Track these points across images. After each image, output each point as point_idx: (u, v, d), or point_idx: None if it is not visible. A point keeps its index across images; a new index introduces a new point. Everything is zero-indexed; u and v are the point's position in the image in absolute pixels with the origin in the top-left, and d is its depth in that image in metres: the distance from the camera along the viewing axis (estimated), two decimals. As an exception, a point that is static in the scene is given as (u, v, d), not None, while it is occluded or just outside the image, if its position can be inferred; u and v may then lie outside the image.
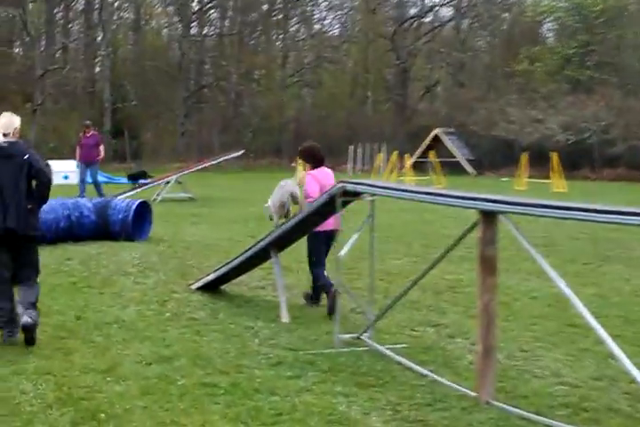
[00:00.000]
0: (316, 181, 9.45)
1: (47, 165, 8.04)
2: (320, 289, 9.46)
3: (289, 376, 6.70)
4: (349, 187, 7.59)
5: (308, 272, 9.82)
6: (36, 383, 6.39)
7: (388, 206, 20.53)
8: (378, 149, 41.63)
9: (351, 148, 43.86)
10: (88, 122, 23.55)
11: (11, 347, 7.43)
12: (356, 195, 7.82)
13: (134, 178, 24.35)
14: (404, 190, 7.27)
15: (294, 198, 9.70)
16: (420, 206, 20.40)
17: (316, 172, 9.63)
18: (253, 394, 6.22)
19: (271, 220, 10.08)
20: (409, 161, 35.78)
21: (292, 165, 43.12)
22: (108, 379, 6.55)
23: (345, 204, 7.95)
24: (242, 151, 27.42)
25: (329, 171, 9.77)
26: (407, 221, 18.68)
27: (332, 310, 8.78)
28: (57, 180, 29.98)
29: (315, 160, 9.71)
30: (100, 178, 28.23)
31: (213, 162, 27.59)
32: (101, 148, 22.55)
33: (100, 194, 21.49)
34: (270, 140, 52.19)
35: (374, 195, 7.66)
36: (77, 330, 8.16)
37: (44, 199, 7.86)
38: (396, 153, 35.16)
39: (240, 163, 44.99)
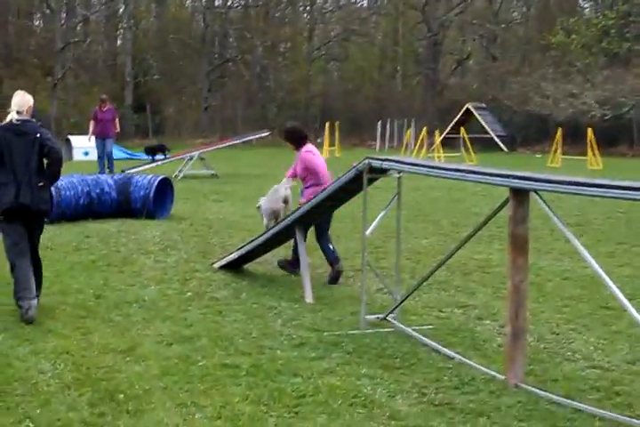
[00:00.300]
0: (318, 157, 10.06)
1: (57, 143, 8.23)
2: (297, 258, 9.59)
3: (312, 358, 6.71)
4: (375, 163, 7.55)
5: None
6: (54, 363, 6.44)
7: (416, 184, 20.50)
8: (407, 124, 41.44)
9: (379, 123, 43.70)
10: (104, 96, 23.50)
11: (29, 326, 7.49)
12: (383, 172, 7.78)
13: (152, 151, 23.96)
14: (431, 167, 7.21)
15: (287, 203, 10.15)
16: (450, 184, 20.37)
17: (311, 148, 10.07)
18: (275, 376, 6.23)
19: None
20: (439, 137, 35.61)
21: (319, 140, 43.06)
22: (128, 359, 6.59)
23: (371, 181, 7.91)
24: (267, 132, 27.39)
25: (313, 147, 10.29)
26: (436, 198, 18.61)
27: (334, 281, 9.65)
28: (77, 156, 30.40)
29: (301, 139, 10.06)
30: (121, 154, 28.32)
31: (237, 141, 27.61)
32: (117, 122, 22.55)
33: (111, 169, 21.56)
34: (296, 115, 52.07)
35: (401, 172, 7.62)
36: (97, 309, 8.21)
37: (56, 177, 8.08)
38: (425, 129, 35.01)
39: (265, 138, 45.02)
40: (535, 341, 7.34)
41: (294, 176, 10.42)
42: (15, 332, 7.31)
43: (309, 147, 10.09)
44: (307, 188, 9.98)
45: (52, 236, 12.46)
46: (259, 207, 11.04)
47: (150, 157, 23.79)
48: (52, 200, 11.65)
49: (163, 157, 23.30)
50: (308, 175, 9.95)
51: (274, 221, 10.15)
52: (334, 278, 9.76)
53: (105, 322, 7.73)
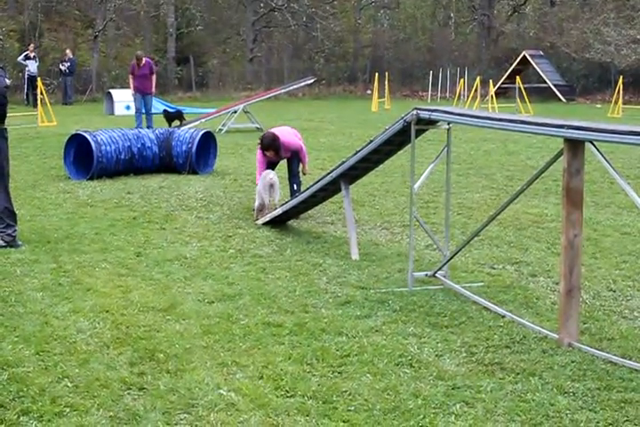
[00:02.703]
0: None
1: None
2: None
3: (357, 316, 6.71)
4: (423, 114, 7.46)
5: (377, 205, 9.81)
6: (93, 322, 6.50)
7: (468, 136, 20.33)
8: (460, 74, 40.96)
9: (431, 73, 43.25)
10: (139, 52, 23.58)
11: (68, 284, 7.57)
12: (431, 123, 7.70)
13: (169, 118, 23.67)
14: (481, 117, 7.10)
15: (273, 190, 10.54)
16: (504, 136, 20.18)
17: (289, 130, 11.43)
18: (319, 334, 6.24)
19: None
20: (493, 87, 35.15)
21: (368, 92, 42.80)
22: (168, 318, 6.64)
23: (419, 133, 7.82)
24: (313, 79, 27.21)
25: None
26: (489, 151, 18.41)
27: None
28: (119, 110, 30.53)
29: (279, 145, 10.91)
30: (162, 106, 28.31)
31: (282, 90, 27.46)
32: (154, 78, 22.59)
33: (149, 126, 21.63)
34: (344, 66, 51.73)
35: (450, 123, 7.52)
36: (137, 267, 8.27)
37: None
38: (478, 79, 34.56)
39: (312, 91, 44.78)
40: (591, 298, 7.26)
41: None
42: (54, 290, 7.39)
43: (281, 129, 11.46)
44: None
45: (92, 192, 12.60)
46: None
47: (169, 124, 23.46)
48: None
49: (179, 123, 23.03)
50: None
51: (262, 208, 10.59)
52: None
53: (145, 280, 7.79)
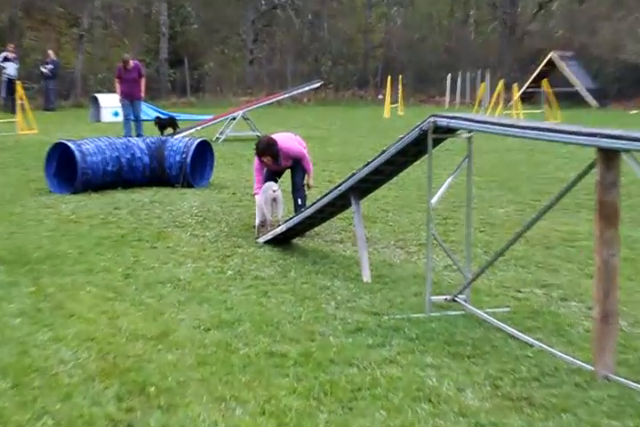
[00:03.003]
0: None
1: None
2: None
3: (370, 345, 6.66)
4: (441, 122, 7.43)
5: (390, 221, 9.79)
6: (76, 352, 6.45)
7: (491, 146, 20.34)
8: (481, 77, 41.05)
9: (449, 77, 43.35)
10: (126, 55, 23.67)
11: (49, 309, 7.54)
12: (450, 131, 7.67)
13: (161, 125, 23.74)
14: (506, 125, 7.06)
15: (276, 205, 10.61)
16: (530, 145, 20.19)
17: (290, 135, 11.40)
18: (328, 366, 6.19)
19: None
20: (517, 92, 35.21)
21: (379, 97, 42.90)
22: (160, 347, 6.59)
23: (437, 142, 7.80)
24: (319, 83, 27.31)
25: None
26: (514, 162, 18.41)
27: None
28: (106, 117, 30.63)
29: (277, 150, 10.89)
30: (154, 115, 28.40)
31: (286, 95, 27.61)
32: (143, 82, 22.65)
33: (139, 134, 21.70)
34: (353, 69, 51.92)
35: (471, 131, 7.49)
36: (125, 290, 8.23)
37: None
38: (501, 82, 34.62)
39: (318, 96, 44.90)
40: (629, 325, 7.22)
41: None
42: (33, 316, 7.35)
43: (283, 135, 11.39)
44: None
45: (75, 207, 12.61)
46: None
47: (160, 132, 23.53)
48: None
49: (172, 131, 23.13)
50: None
51: (263, 224, 10.63)
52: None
53: (134, 305, 7.75)
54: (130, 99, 22.48)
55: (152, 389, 5.73)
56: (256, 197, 10.82)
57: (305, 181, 11.21)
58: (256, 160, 10.97)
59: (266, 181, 10.82)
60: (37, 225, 11.37)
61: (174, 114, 29.19)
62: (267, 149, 10.81)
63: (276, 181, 10.95)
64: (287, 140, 11.15)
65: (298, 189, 11.19)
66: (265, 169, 10.99)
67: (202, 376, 5.97)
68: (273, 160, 10.87)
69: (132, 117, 22.64)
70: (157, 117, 24.76)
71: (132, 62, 22.75)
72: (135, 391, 5.70)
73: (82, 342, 6.67)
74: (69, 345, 6.61)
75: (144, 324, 7.16)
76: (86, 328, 7.01)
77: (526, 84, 42.63)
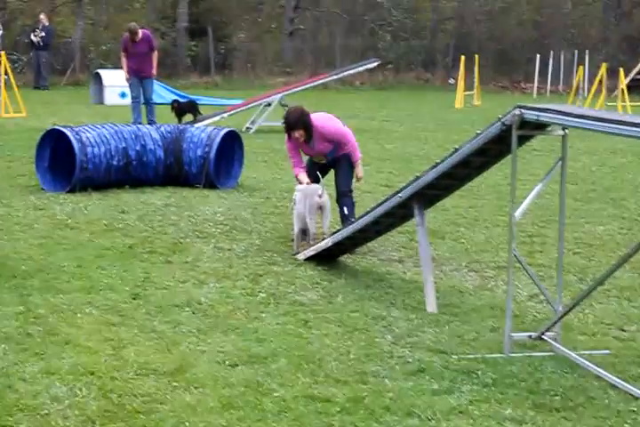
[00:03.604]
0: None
1: None
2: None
3: (434, 391, 6.69)
4: (529, 115, 7.45)
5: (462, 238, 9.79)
6: (72, 388, 6.52)
7: (590, 146, 20.28)
8: (578, 59, 40.89)
9: (538, 58, 43.21)
10: (133, 24, 23.14)
11: (40, 335, 7.62)
12: (540, 127, 7.69)
13: (179, 111, 23.77)
14: (610, 121, 7.07)
15: (322, 214, 10.78)
16: (640, 147, 20.03)
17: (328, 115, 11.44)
18: (382, 414, 6.23)
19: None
20: (624, 78, 35.04)
21: (450, 81, 42.86)
22: (175, 385, 6.65)
23: (523, 140, 7.83)
24: (376, 62, 27.32)
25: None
26: (618, 167, 18.34)
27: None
28: (112, 99, 30.82)
29: (311, 122, 10.94)
30: (170, 97, 28.50)
31: (334, 77, 27.56)
32: (155, 55, 22.46)
33: (151, 120, 21.64)
34: (418, 46, 51.83)
35: (566, 127, 7.51)
36: (133, 314, 8.31)
37: None
38: (604, 66, 34.48)
39: (374, 78, 44.91)
40: None
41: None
42: (20, 342, 7.44)
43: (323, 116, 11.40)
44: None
45: (73, 210, 12.68)
46: (293, 200, 10.96)
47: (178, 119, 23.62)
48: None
49: (193, 119, 23.20)
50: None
51: (304, 235, 10.71)
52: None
53: (144, 332, 7.82)
54: (139, 77, 22.31)
55: (165, 436, 5.81)
56: (295, 194, 10.82)
57: (353, 179, 11.21)
58: (287, 140, 11.06)
59: (309, 175, 10.89)
60: (26, 231, 11.47)
61: (195, 97, 29.34)
62: (298, 120, 10.85)
63: (319, 182, 10.96)
64: (324, 119, 11.20)
65: (343, 194, 11.16)
66: (299, 149, 11.07)
67: (227, 422, 6.04)
68: (306, 136, 10.88)
69: (142, 100, 22.58)
70: (174, 101, 24.83)
71: (140, 32, 22.47)
72: (145, 439, 5.78)
73: (79, 377, 6.73)
74: (64, 379, 6.68)
75: (156, 356, 7.23)
76: (85, 359, 7.08)
77: (636, 70, 42.40)
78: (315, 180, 10.87)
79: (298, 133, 10.75)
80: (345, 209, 10.99)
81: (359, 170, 11.20)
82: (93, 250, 10.59)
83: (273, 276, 9.74)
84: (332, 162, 11.18)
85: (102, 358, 7.15)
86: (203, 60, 46.34)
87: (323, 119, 11.13)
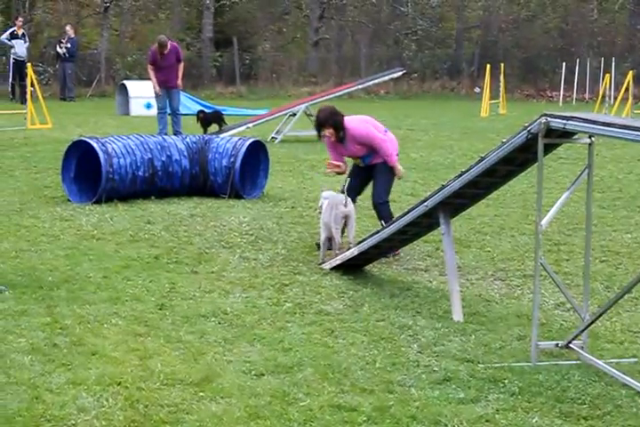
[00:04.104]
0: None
1: None
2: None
3: (461, 399, 6.69)
4: (555, 123, 7.45)
5: (488, 246, 9.77)
6: (99, 398, 6.55)
7: (616, 154, 20.23)
8: (605, 67, 40.81)
9: (564, 66, 43.15)
10: (163, 37, 22.92)
11: (66, 345, 7.65)
12: (566, 135, 7.68)
13: (205, 121, 23.82)
14: (637, 129, 7.06)
15: (347, 223, 10.67)
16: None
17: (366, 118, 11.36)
18: (409, 423, 6.23)
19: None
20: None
21: (476, 90, 42.85)
22: (202, 395, 6.67)
23: (549, 148, 7.82)
24: (401, 71, 27.34)
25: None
26: (646, 175, 18.28)
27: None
28: (137, 110, 30.90)
29: (341, 122, 11.01)
30: (195, 107, 28.56)
31: (359, 86, 27.56)
32: (180, 66, 22.41)
33: (177, 131, 21.68)
34: (443, 55, 51.85)
35: (593, 135, 7.50)
36: (159, 324, 8.34)
37: None
38: (631, 74, 34.39)
39: (399, 87, 44.93)
40: None
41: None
42: (47, 353, 7.47)
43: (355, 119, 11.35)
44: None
45: (98, 221, 12.72)
46: (320, 209, 10.99)
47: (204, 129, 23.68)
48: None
49: (218, 129, 23.25)
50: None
51: (330, 243, 10.69)
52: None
53: (170, 342, 7.84)
54: (166, 88, 22.33)
55: (192, 446, 5.82)
56: (320, 201, 10.88)
57: (392, 181, 11.25)
58: (327, 140, 11.13)
59: (349, 182, 10.87)
60: (52, 242, 11.52)
61: (220, 107, 29.39)
62: (328, 118, 10.91)
63: (357, 192, 11.06)
64: (355, 119, 11.22)
65: (377, 205, 11.19)
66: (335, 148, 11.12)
67: (253, 432, 6.05)
68: (337, 136, 10.91)
69: (169, 111, 22.62)
70: (200, 111, 24.90)
71: (169, 45, 22.48)
72: (171, 449, 5.80)
73: (106, 387, 6.76)
74: (91, 390, 6.70)
75: (182, 366, 7.25)
76: (111, 370, 7.11)
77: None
78: (352, 190, 10.92)
79: (328, 132, 10.82)
80: (382, 223, 10.87)
81: (398, 170, 11.27)
82: (119, 261, 10.62)
83: (299, 285, 9.76)
84: (369, 169, 11.19)
85: (128, 368, 7.17)
86: (228, 70, 46.45)
87: (356, 121, 11.17)
